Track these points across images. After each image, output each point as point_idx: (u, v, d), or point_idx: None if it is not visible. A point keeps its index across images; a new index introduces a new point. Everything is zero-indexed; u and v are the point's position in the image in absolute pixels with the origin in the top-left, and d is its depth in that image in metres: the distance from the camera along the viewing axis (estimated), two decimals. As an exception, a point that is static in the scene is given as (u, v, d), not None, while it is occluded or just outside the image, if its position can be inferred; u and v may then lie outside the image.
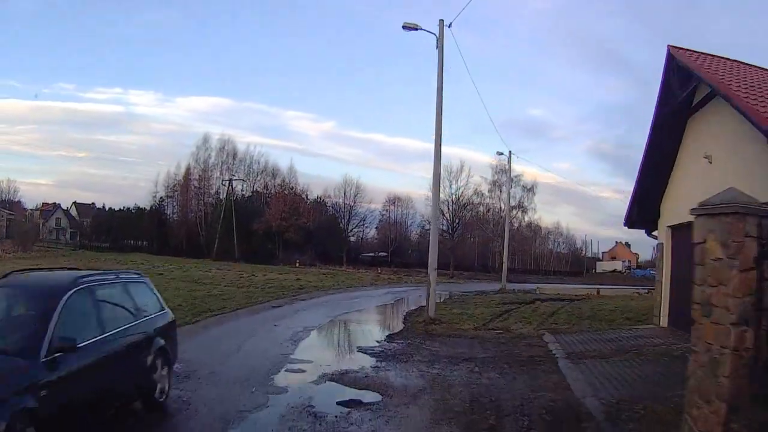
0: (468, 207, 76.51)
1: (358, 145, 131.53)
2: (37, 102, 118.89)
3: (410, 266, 74.21)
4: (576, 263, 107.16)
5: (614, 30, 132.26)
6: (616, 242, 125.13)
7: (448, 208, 71.42)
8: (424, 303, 21.18)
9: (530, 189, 78.55)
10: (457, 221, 74.13)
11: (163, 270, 38.41)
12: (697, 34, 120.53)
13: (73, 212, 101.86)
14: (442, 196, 63.76)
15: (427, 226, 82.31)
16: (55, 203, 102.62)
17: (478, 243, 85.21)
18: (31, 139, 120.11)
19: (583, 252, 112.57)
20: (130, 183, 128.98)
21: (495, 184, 75.60)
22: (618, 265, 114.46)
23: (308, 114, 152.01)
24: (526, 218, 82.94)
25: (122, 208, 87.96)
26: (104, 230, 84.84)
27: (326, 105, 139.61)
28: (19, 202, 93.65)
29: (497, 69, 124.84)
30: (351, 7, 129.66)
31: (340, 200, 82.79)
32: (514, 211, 73.60)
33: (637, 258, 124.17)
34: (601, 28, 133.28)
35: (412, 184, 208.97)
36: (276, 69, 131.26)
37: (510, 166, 44.97)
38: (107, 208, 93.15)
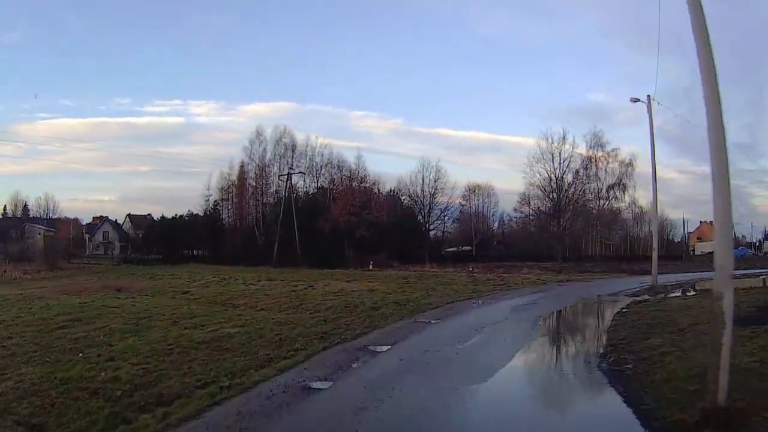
0: (571, 187, 61.55)
1: (426, 140, 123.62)
2: (95, 119, 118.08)
3: (499, 259, 66.50)
4: (668, 247, 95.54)
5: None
6: (701, 221, 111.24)
7: (552, 187, 58.37)
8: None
9: (629, 164, 63.91)
10: (565, 202, 59.28)
11: (198, 284, 33.61)
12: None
13: (128, 225, 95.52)
14: (544, 172, 57.64)
15: (515, 214, 77.00)
16: (102, 216, 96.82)
17: (577, 230, 73.17)
18: (90, 157, 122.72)
19: (671, 235, 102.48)
20: (190, 191, 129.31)
21: (591, 161, 61.12)
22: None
23: (373, 112, 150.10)
24: (626, 198, 68.02)
25: (175, 215, 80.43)
26: (156, 241, 77.25)
27: (391, 103, 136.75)
28: (75, 219, 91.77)
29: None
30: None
31: (418, 188, 72.12)
32: (613, 191, 62.85)
33: None
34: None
35: (483, 176, 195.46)
36: (340, 69, 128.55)
37: (651, 114, 29.97)
38: (161, 218, 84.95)
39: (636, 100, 28.38)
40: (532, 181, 57.19)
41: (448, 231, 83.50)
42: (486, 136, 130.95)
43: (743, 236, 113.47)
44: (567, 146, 58.52)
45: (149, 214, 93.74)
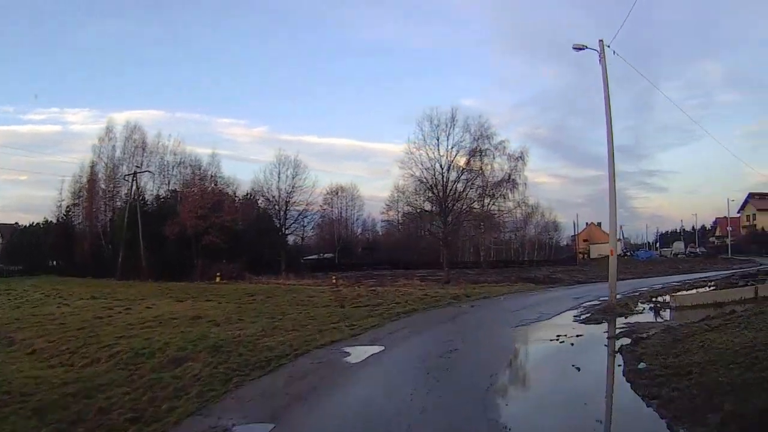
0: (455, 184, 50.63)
1: (291, 147, 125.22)
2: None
3: (365, 267, 62.70)
4: (556, 251, 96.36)
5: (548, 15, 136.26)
6: (588, 223, 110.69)
7: (436, 180, 48.12)
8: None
9: (519, 157, 57.44)
10: (451, 200, 48.65)
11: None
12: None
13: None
14: (427, 161, 47.38)
15: (383, 217, 71.87)
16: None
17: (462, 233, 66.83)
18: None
19: (553, 239, 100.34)
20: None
21: (477, 153, 50.76)
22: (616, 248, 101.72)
23: (241, 120, 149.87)
24: (516, 196, 60.36)
25: (32, 223, 74.93)
26: (16, 251, 71.90)
27: (258, 110, 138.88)
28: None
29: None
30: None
31: (273, 186, 63.88)
32: (501, 188, 55.09)
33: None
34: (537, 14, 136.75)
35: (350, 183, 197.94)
36: (206, 75, 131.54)
37: (605, 65, 22.04)
38: (23, 227, 78.32)
39: (581, 48, 22.31)
40: (413, 173, 47.34)
41: (309, 237, 77.78)
42: (353, 143, 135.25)
43: (626, 237, 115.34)
44: (456, 132, 49.05)
45: (16, 223, 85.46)
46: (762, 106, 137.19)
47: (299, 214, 65.19)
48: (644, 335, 13.78)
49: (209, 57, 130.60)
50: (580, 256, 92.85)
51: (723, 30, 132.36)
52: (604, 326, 17.06)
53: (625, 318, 18.64)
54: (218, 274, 45.58)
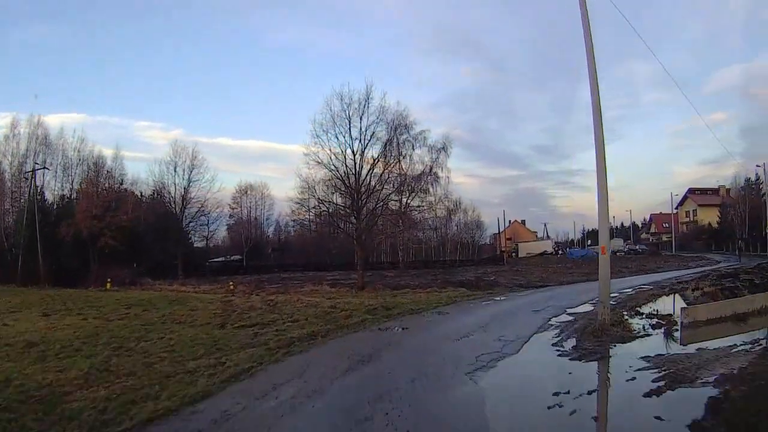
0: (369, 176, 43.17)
1: (205, 150, 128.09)
2: None
3: (275, 270, 60.15)
4: (479, 250, 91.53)
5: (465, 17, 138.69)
6: (510, 221, 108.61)
7: (350, 168, 40.54)
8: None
9: (441, 149, 53.45)
10: (364, 194, 41.41)
11: None
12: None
13: None
14: (336, 146, 39.99)
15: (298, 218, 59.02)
16: None
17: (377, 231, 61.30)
18: None
19: (474, 237, 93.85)
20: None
21: (394, 144, 46.03)
22: (547, 246, 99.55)
23: (157, 123, 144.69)
24: (437, 190, 56.01)
25: None
26: None
27: (173, 113, 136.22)
28: None
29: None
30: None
31: (169, 180, 59.36)
32: (423, 181, 50.70)
33: (536, 236, 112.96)
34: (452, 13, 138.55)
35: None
36: (124, 77, 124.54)
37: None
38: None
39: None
40: (320, 160, 39.70)
41: (219, 239, 75.28)
42: (267, 145, 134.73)
43: (546, 235, 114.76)
44: (370, 112, 41.40)
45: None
46: (687, 107, 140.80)
47: (197, 212, 60.81)
48: (711, 393, 8.37)
49: (124, 59, 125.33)
50: (508, 255, 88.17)
51: (650, 30, 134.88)
52: (618, 363, 11.22)
53: (629, 344, 13.22)
54: (109, 280, 40.69)
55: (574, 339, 13.96)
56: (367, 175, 40.09)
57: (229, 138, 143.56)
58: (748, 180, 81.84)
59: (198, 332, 16.11)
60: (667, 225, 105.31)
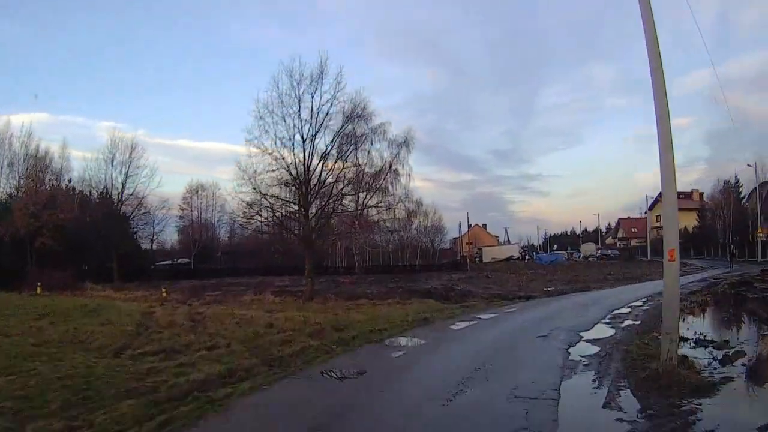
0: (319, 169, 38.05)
1: (168, 152, 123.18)
2: None
3: (224, 274, 57.16)
4: (439, 255, 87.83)
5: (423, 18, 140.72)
6: (471, 225, 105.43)
7: (299, 158, 35.19)
8: None
9: (403, 143, 49.87)
10: (315, 189, 36.12)
11: None
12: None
13: None
14: (283, 130, 34.66)
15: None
16: None
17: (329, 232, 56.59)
18: None
19: (433, 241, 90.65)
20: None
21: (350, 137, 40.42)
22: (513, 251, 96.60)
23: (120, 123, 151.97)
24: (398, 190, 47.22)
25: None
26: None
27: (135, 113, 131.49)
28: None
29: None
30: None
31: (107, 175, 56.26)
32: (382, 178, 46.93)
33: (497, 240, 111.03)
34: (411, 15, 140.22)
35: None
36: (89, 77, 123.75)
37: None
38: None
39: None
40: (264, 147, 34.34)
41: (166, 241, 73.43)
42: (228, 147, 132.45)
43: (507, 239, 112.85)
44: (327, 86, 35.83)
45: None
46: (651, 111, 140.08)
47: (134, 210, 58.07)
48: None
49: (85, 57, 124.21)
50: (471, 260, 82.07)
51: (612, 34, 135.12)
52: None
53: (712, 398, 8.67)
54: (39, 284, 37.15)
55: (628, 391, 9.36)
56: (318, 165, 35.20)
57: (190, 140, 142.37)
58: (726, 183, 78.40)
59: (84, 361, 12.02)
60: (635, 230, 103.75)
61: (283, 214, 38.09)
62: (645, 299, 25.11)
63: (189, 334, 16.04)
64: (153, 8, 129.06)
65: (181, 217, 70.51)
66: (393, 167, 47.12)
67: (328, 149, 35.91)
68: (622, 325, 17.26)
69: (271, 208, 37.19)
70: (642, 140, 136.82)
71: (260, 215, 37.29)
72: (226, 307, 23.94)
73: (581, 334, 15.53)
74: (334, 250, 64.56)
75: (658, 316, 16.18)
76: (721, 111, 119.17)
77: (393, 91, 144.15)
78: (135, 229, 60.84)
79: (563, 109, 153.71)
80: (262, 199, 35.94)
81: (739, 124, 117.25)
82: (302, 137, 33.99)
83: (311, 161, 34.65)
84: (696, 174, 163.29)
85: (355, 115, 39.30)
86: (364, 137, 41.99)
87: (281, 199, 36.69)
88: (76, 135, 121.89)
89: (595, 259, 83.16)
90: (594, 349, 13.26)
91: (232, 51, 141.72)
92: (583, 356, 12.48)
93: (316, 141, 35.06)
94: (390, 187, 47.42)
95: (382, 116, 52.35)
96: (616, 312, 21.10)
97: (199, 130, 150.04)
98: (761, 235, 58.60)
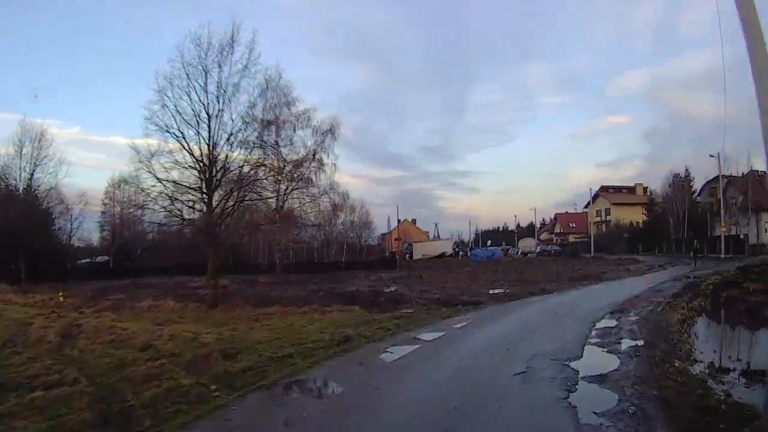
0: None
1: (104, 149, 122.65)
2: None
3: (142, 273, 53.06)
4: (367, 251, 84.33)
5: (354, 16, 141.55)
6: (400, 220, 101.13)
7: (203, 136, 32.04)
8: None
9: (329, 131, 46.71)
10: (221, 172, 32.30)
11: None
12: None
13: None
14: (188, 103, 32.18)
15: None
16: None
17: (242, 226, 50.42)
18: None
19: (361, 236, 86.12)
20: None
21: (272, 124, 39.13)
22: (447, 247, 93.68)
23: (55, 120, 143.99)
24: (322, 180, 46.88)
25: None
26: None
27: (71, 109, 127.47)
28: None
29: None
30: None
31: (15, 167, 52.67)
32: (305, 168, 43.97)
33: (427, 236, 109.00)
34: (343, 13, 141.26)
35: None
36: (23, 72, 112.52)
37: None
38: None
39: None
40: (162, 124, 31.54)
41: (89, 238, 69.68)
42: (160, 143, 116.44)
43: (437, 235, 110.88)
44: (239, 53, 33.95)
45: None
46: (587, 110, 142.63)
47: (44, 202, 55.01)
48: None
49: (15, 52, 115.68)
50: (401, 257, 77.76)
51: (546, 33, 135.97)
52: None
53: None
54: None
55: None
56: (224, 146, 31.06)
57: (121, 136, 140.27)
58: (677, 176, 72.85)
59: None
60: (573, 225, 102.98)
61: (184, 203, 33.58)
62: (622, 305, 19.97)
63: (47, 357, 12.96)
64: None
65: (103, 213, 66.78)
66: (317, 156, 44.42)
67: (237, 128, 32.46)
68: (622, 348, 12.35)
69: (170, 196, 32.77)
70: (576, 138, 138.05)
71: (157, 204, 33.26)
72: (115, 317, 20.26)
73: (573, 365, 10.70)
74: (257, 245, 60.92)
75: (659, 331, 14.25)
76: (659, 109, 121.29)
77: (325, 88, 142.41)
78: (57, 226, 58.11)
79: (495, 108, 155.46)
80: (158, 185, 32.51)
81: (678, 122, 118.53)
82: (208, 114, 30.27)
83: (218, 140, 30.91)
84: (633, 170, 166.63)
85: (278, 102, 36.79)
86: (285, 123, 39.37)
87: (182, 185, 32.35)
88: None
89: (535, 255, 79.47)
90: (608, 398, 8.49)
91: (165, 49, 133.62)
92: (598, 414, 7.65)
93: (224, 118, 31.49)
94: (314, 178, 44.68)
95: (307, 103, 49.80)
96: (601, 326, 15.40)
97: (135, 126, 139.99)
98: (724, 229, 55.04)
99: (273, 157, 37.18)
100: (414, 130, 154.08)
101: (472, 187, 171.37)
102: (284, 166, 39.16)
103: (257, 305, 23.98)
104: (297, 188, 43.16)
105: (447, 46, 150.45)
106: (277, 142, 37.89)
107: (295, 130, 41.22)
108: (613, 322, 15.95)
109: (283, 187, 40.93)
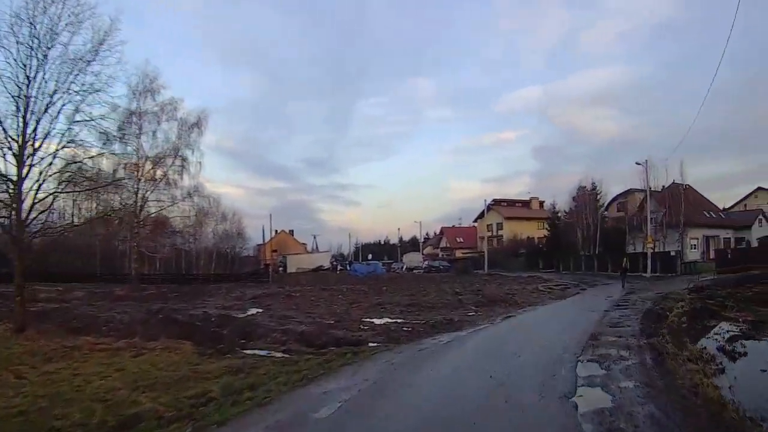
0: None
1: None
2: None
3: (32, 279, 43.07)
4: (240, 263, 79.50)
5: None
6: (277, 230, 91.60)
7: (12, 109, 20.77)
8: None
9: (195, 125, 41.22)
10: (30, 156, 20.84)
11: None
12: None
13: None
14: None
15: None
16: None
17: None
18: None
19: (234, 247, 79.96)
20: None
21: (135, 115, 36.03)
22: (324, 260, 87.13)
23: None
24: (186, 180, 40.97)
25: None
26: None
27: None
28: None
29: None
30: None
31: None
32: (166, 166, 38.56)
33: (305, 248, 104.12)
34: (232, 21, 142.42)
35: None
36: None
37: None
38: None
39: None
40: None
41: None
42: None
43: (316, 247, 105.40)
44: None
45: None
46: (474, 125, 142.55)
47: None
48: None
49: None
50: (275, 270, 70.69)
51: (440, 49, 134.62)
52: None
53: None
54: None
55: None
56: (44, 116, 20.51)
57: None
58: (583, 188, 64.67)
59: None
60: (461, 239, 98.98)
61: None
62: (588, 360, 12.08)
63: None
64: None
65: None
66: (180, 153, 38.28)
67: (57, 90, 22.14)
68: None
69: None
70: (461, 152, 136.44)
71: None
72: None
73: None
74: (130, 252, 52.14)
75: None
76: (550, 126, 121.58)
77: (210, 96, 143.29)
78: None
79: (381, 121, 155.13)
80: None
81: (570, 139, 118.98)
82: (27, 76, 20.76)
83: (34, 109, 20.38)
84: (522, 186, 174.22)
85: (143, 90, 31.39)
86: (148, 114, 35.02)
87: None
88: None
89: (422, 271, 74.25)
90: None
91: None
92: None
93: (46, 86, 21.93)
94: (177, 177, 38.46)
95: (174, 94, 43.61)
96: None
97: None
98: (650, 245, 48.88)
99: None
100: (299, 142, 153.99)
101: (354, 201, 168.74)
102: (142, 162, 32.95)
103: (72, 331, 18.23)
104: (155, 189, 36.79)
105: (335, 57, 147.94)
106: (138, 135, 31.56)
107: (159, 123, 37.64)
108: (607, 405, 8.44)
109: (140, 186, 34.70)
